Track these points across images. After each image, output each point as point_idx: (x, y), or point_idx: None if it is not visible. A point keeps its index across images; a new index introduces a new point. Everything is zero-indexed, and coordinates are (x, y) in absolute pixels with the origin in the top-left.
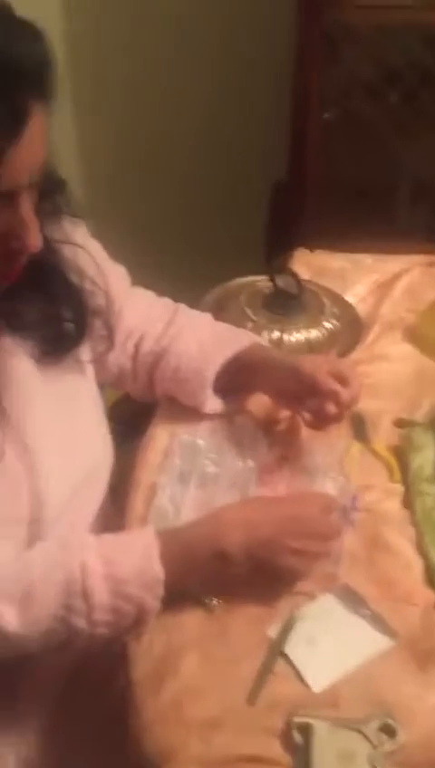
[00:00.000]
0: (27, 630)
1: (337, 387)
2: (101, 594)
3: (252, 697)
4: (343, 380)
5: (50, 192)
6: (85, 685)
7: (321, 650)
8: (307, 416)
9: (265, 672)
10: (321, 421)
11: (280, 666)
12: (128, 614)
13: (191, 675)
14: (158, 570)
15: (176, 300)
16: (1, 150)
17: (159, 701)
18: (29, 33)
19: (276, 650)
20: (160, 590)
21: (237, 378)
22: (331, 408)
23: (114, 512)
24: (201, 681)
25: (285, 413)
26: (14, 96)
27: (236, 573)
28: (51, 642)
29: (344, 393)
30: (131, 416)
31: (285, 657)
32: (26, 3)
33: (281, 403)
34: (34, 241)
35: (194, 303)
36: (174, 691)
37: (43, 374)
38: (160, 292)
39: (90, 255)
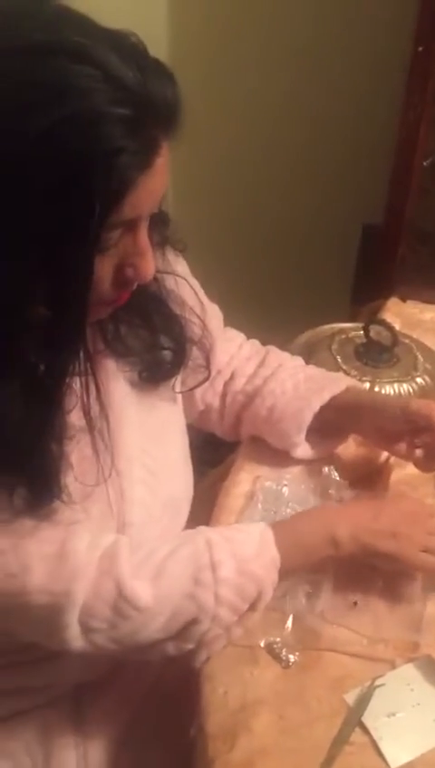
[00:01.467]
0: (159, 605)
1: None
2: (227, 568)
3: (326, 765)
4: None
5: (156, 225)
6: (149, 724)
7: (400, 724)
8: (419, 452)
9: (341, 741)
10: (432, 459)
11: (357, 735)
12: (248, 596)
13: (265, 734)
14: (275, 553)
15: (263, 342)
16: (132, 179)
17: (232, 758)
18: (164, 74)
19: (354, 719)
20: (276, 576)
21: (335, 420)
22: None
23: None
24: (275, 742)
25: (374, 465)
26: (148, 131)
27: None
28: (179, 621)
29: None
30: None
31: (363, 726)
32: None
33: (381, 444)
34: (149, 269)
35: (281, 346)
36: (247, 749)
37: (139, 400)
38: (244, 332)
39: (190, 287)
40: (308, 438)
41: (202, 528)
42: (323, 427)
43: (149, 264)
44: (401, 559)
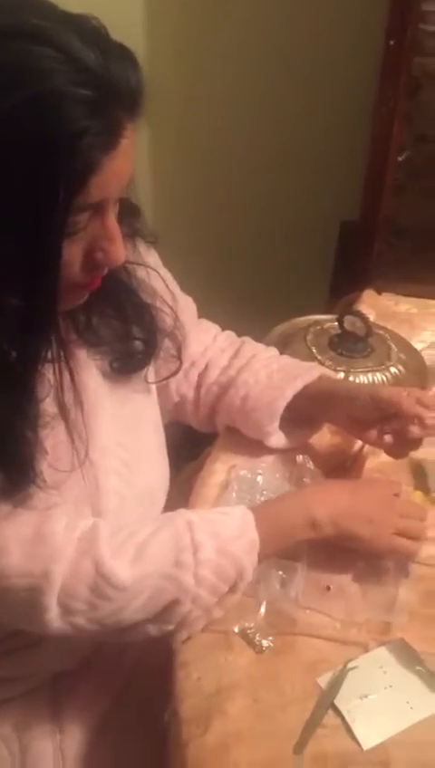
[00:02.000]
0: (138, 585)
1: (421, 410)
2: (208, 548)
3: (299, 747)
4: (424, 406)
5: (126, 216)
6: (127, 711)
7: (372, 706)
8: (388, 438)
9: (314, 723)
10: (402, 445)
11: (329, 717)
12: (227, 577)
13: (239, 717)
14: (254, 535)
15: (239, 334)
16: (97, 161)
17: (206, 741)
18: (126, 56)
19: (327, 701)
20: (256, 558)
21: (307, 408)
22: (414, 430)
23: None
24: (249, 726)
25: (348, 454)
26: (111, 112)
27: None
28: (159, 602)
29: (429, 416)
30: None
31: (335, 709)
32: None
33: (354, 432)
34: (119, 253)
35: (257, 339)
36: (221, 732)
37: (112, 392)
38: (224, 325)
39: (161, 278)
40: (282, 428)
41: (182, 510)
42: (297, 416)
43: (118, 248)
44: (376, 543)
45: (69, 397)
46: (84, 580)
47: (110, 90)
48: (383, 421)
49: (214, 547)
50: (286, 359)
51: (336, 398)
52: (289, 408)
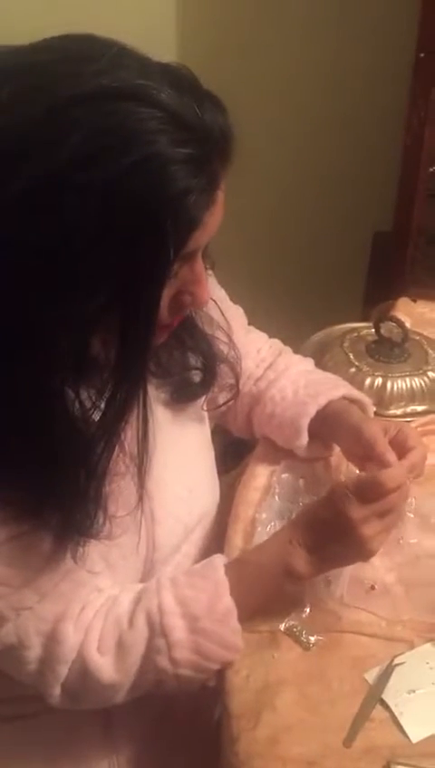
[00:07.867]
0: (122, 677)
1: (390, 459)
2: (179, 631)
3: (349, 740)
4: (403, 449)
5: None
6: (178, 711)
7: (420, 701)
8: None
9: (362, 717)
10: None
11: (377, 711)
12: (207, 652)
13: (288, 712)
14: (228, 602)
15: None
16: (200, 218)
17: (256, 735)
18: (217, 105)
19: (375, 696)
20: (235, 623)
21: (319, 429)
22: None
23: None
24: (298, 719)
25: None
26: (209, 167)
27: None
28: (142, 685)
29: (395, 468)
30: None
31: (383, 703)
32: None
33: (349, 460)
34: (206, 295)
35: (294, 348)
36: (271, 726)
37: (172, 421)
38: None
39: (218, 307)
40: (314, 437)
41: (161, 582)
42: (320, 431)
43: (205, 291)
44: (366, 556)
45: (141, 445)
46: (79, 675)
47: (208, 144)
48: (366, 458)
49: (185, 628)
50: (317, 374)
51: (335, 425)
52: (313, 423)
